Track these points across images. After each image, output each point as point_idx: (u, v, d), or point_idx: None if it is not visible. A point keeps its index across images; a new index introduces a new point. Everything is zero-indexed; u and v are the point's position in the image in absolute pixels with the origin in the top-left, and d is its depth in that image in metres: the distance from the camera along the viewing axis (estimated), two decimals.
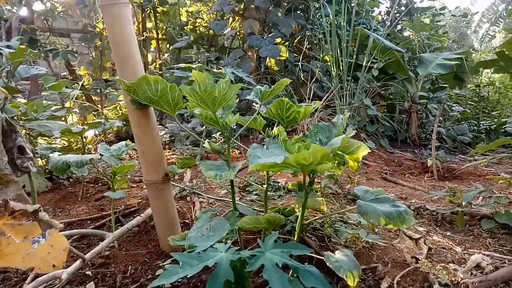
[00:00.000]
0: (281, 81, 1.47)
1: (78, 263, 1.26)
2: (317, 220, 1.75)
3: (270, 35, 4.61)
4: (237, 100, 1.55)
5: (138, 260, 1.63)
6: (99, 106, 5.26)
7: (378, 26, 5.08)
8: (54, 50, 5.11)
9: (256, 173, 2.72)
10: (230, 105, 1.52)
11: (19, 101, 2.89)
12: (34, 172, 0.96)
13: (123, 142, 1.94)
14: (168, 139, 4.20)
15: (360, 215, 1.16)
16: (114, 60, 1.44)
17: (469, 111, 5.33)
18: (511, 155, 3.43)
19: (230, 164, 1.43)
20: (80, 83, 3.81)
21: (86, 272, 1.54)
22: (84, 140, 2.42)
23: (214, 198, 2.23)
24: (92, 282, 1.47)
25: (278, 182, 2.49)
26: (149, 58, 6.05)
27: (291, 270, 1.27)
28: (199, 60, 4.88)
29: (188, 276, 0.91)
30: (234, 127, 1.66)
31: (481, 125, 5.22)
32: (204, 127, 4.04)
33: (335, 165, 1.44)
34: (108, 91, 5.40)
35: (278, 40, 4.69)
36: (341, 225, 1.73)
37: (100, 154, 1.78)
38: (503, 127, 4.91)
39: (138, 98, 1.42)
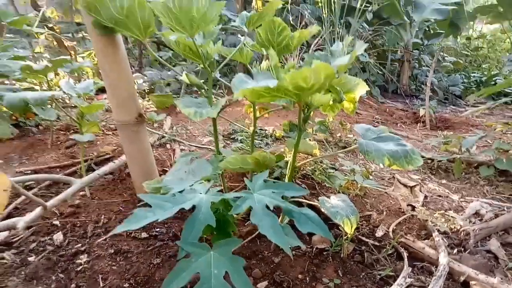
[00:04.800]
0: (272, 1, 1.25)
1: (38, 210, 1.10)
2: (308, 167, 1.62)
3: None
4: (219, 26, 1.33)
5: (112, 209, 1.48)
6: (72, 52, 4.86)
7: None
8: None
9: (242, 120, 2.55)
10: (211, 31, 1.31)
11: None
12: None
13: (91, 80, 1.71)
14: (147, 88, 3.94)
15: (362, 154, 1.01)
16: None
17: (461, 61, 5.18)
18: (507, 100, 3.34)
19: (212, 101, 1.25)
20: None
21: (54, 222, 1.38)
22: (49, 83, 2.17)
23: (196, 146, 2.06)
24: (60, 232, 1.32)
25: (265, 130, 2.33)
26: None
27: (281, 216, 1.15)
28: None
29: (160, 220, 0.75)
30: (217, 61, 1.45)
31: (471, 77, 5.11)
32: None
33: (331, 102, 1.28)
34: (82, 35, 4.98)
35: None
36: (333, 172, 1.60)
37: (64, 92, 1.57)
38: (493, 79, 4.81)
39: (101, 18, 1.18)
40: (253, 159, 0.94)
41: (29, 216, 1.06)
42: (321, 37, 3.54)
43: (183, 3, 1.07)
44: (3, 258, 1.20)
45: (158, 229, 1.33)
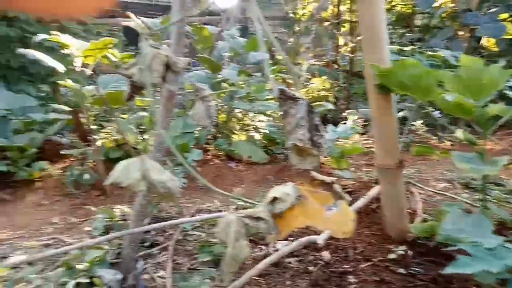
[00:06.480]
0: None
1: (327, 232, 1.40)
2: None
3: (490, 10, 3.95)
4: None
5: (364, 240, 1.70)
6: (293, 88, 5.67)
7: None
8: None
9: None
10: (491, 93, 1.38)
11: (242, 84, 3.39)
12: (324, 148, 1.09)
13: (348, 125, 2.03)
14: (361, 124, 4.19)
15: None
16: (362, 43, 1.49)
17: None
18: None
19: (484, 157, 1.32)
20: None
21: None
22: None
23: (432, 191, 2.10)
24: (326, 251, 1.62)
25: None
26: (340, 41, 6.09)
27: None
28: (399, 41, 4.61)
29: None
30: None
31: None
32: (400, 113, 3.83)
33: None
34: (301, 75, 5.76)
35: (503, 16, 3.95)
36: None
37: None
38: None
39: (388, 83, 1.44)
40: None
41: (324, 235, 1.38)
42: None
43: (475, 74, 1.20)
44: (290, 263, 1.58)
45: (415, 269, 1.45)
